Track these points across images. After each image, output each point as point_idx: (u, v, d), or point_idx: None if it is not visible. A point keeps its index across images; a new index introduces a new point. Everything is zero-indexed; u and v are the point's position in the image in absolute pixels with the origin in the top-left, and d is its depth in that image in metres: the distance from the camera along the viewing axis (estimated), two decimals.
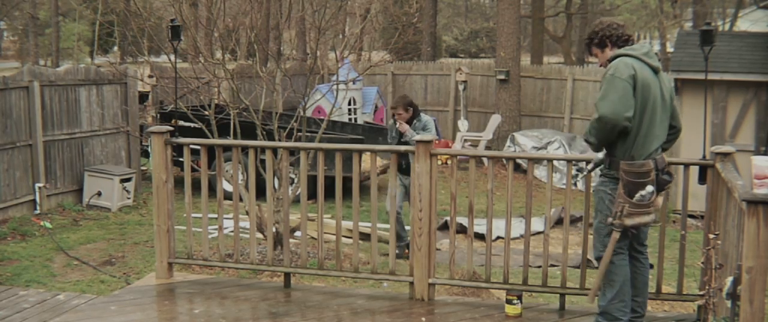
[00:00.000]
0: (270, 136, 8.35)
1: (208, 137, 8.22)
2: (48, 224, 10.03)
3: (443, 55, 36.60)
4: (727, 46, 11.46)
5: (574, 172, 5.48)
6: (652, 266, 5.07)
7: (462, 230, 8.84)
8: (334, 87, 9.32)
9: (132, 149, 12.44)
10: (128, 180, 11.48)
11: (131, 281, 7.55)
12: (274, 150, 6.26)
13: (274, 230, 6.70)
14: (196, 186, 6.84)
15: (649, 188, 4.58)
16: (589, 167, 5.09)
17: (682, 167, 5.41)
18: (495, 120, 16.38)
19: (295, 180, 10.30)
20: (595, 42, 4.86)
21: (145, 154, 12.66)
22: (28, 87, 10.50)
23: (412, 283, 5.70)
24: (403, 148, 6.05)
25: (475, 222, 5.75)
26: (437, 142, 10.35)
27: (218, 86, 9.40)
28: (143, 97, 13.72)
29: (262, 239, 8.03)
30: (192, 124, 8.99)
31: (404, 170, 7.85)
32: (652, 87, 4.61)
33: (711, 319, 4.58)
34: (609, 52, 4.80)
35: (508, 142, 15.00)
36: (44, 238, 9.51)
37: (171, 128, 6.03)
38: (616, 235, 4.65)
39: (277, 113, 8.53)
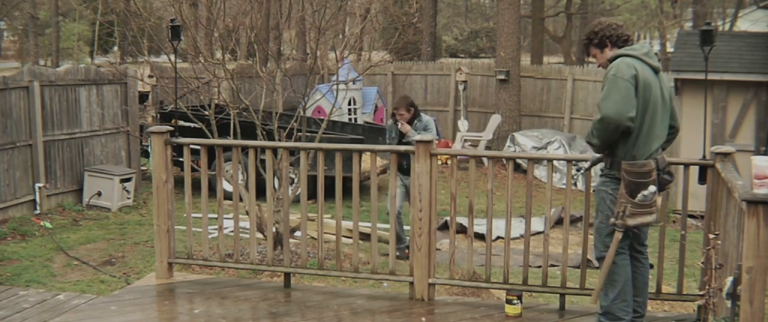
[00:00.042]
0: (270, 136, 8.35)
1: (208, 137, 8.22)
2: (48, 224, 10.03)
3: (443, 55, 36.60)
4: (727, 46, 11.46)
5: (574, 172, 5.48)
6: (652, 266, 5.08)
7: (462, 230, 8.84)
8: (334, 87, 9.32)
9: (132, 149, 12.44)
10: (128, 180, 11.48)
11: (131, 281, 7.55)
12: (274, 150, 6.26)
13: (274, 230, 6.70)
14: (196, 186, 6.84)
15: (652, 188, 4.58)
16: (586, 165, 5.10)
17: (682, 166, 5.40)
18: (495, 120, 16.38)
19: (295, 180, 10.30)
20: (594, 42, 4.84)
21: (145, 154, 12.66)
22: (28, 87, 10.50)
23: (412, 283, 5.70)
24: (403, 148, 6.05)
25: (475, 222, 5.75)
26: (438, 142, 10.30)
27: (218, 86, 9.40)
28: (143, 97, 13.72)
29: (262, 239, 8.04)
30: (192, 124, 8.99)
31: (405, 170, 7.85)
32: (653, 87, 4.61)
33: (711, 319, 4.58)
34: (609, 53, 4.80)
35: (508, 142, 15.00)
36: (44, 238, 9.51)
37: (171, 128, 6.03)
38: (618, 235, 4.65)
39: (277, 113, 8.53)
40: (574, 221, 9.85)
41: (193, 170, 6.45)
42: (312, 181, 7.63)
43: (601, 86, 4.66)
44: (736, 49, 11.52)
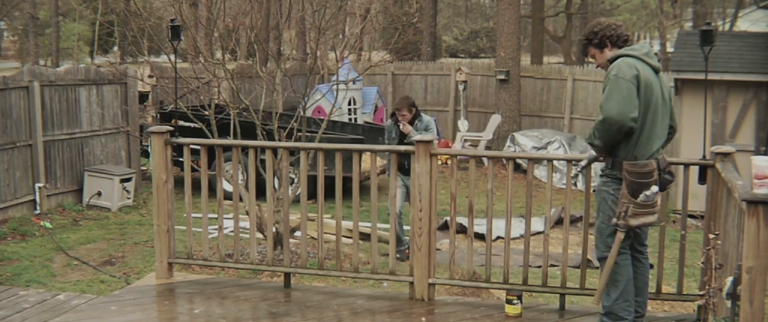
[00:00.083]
0: (270, 136, 8.35)
1: (208, 137, 8.22)
2: (48, 224, 10.03)
3: (443, 55, 36.60)
4: (727, 46, 11.46)
5: (574, 172, 5.48)
6: (652, 266, 5.08)
7: (462, 230, 8.84)
8: (334, 87, 9.32)
9: (132, 149, 12.44)
10: (128, 180, 11.48)
11: (131, 281, 7.55)
12: (274, 150, 6.26)
13: (274, 230, 6.70)
14: (196, 186, 6.84)
15: (654, 188, 4.58)
16: (583, 163, 5.09)
17: (682, 166, 5.40)
18: (495, 120, 16.38)
19: (295, 180, 10.30)
20: (594, 42, 4.81)
21: (145, 154, 12.66)
22: (28, 87, 10.50)
23: (412, 283, 5.70)
24: (403, 148, 6.05)
25: (475, 222, 5.75)
26: (438, 142, 10.27)
27: (218, 86, 9.41)
28: (143, 97, 13.72)
29: (262, 239, 8.04)
30: (192, 124, 8.99)
31: (406, 170, 7.84)
32: (654, 87, 4.61)
33: (711, 319, 4.58)
34: (608, 53, 4.78)
35: (508, 142, 15.00)
36: (44, 238, 9.51)
37: (171, 128, 6.03)
38: (620, 235, 4.65)
39: (277, 113, 8.53)
40: (574, 221, 9.85)
41: (193, 170, 6.45)
42: (312, 181, 7.63)
43: (603, 87, 4.65)
44: (736, 49, 11.52)
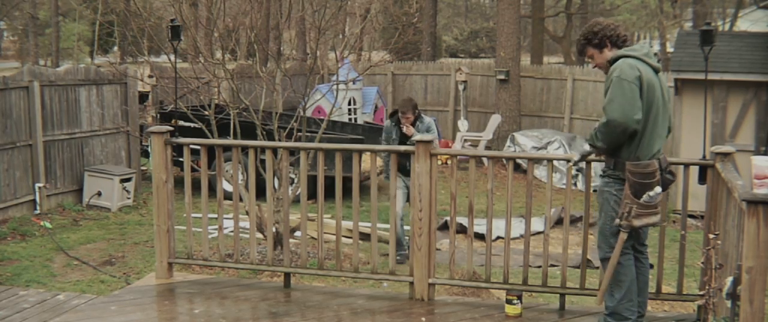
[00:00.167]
0: (270, 136, 8.35)
1: (208, 137, 8.22)
2: (48, 224, 10.03)
3: (443, 55, 36.60)
4: (727, 46, 11.46)
5: (574, 172, 5.48)
6: (652, 266, 5.08)
7: (462, 230, 8.84)
8: (334, 87, 9.32)
9: (132, 149, 12.44)
10: (128, 180, 11.48)
11: (131, 281, 7.55)
12: (274, 150, 6.26)
13: (274, 230, 6.70)
14: (196, 186, 6.84)
15: (657, 189, 4.57)
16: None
17: (682, 166, 5.40)
18: (495, 120, 16.38)
19: (295, 180, 10.30)
20: (594, 42, 4.77)
21: (145, 154, 12.66)
22: (28, 87, 10.50)
23: (412, 283, 5.71)
24: (403, 148, 6.05)
25: (475, 222, 5.75)
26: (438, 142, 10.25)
27: (218, 86, 9.40)
28: (143, 97, 13.73)
29: (262, 239, 8.03)
30: (192, 124, 8.99)
31: (408, 171, 7.82)
32: (655, 88, 4.61)
33: (711, 319, 4.58)
34: (608, 54, 4.76)
35: (508, 142, 15.00)
36: (44, 238, 9.51)
37: (171, 128, 6.03)
38: (623, 236, 4.64)
39: (277, 113, 8.53)
40: (574, 221, 9.85)
41: (193, 170, 6.45)
42: (312, 181, 7.64)
43: (604, 89, 4.63)
44: (736, 49, 11.53)
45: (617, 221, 4.65)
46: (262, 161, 6.69)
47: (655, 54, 4.77)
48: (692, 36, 11.80)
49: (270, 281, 6.82)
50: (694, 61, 11.05)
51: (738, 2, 25.76)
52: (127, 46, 21.31)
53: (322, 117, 13.11)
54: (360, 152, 6.21)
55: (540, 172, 13.78)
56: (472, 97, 18.31)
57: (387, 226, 8.48)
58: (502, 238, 7.01)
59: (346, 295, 5.92)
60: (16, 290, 7.13)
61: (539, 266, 6.43)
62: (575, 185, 12.60)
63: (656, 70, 4.67)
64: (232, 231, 6.46)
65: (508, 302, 5.43)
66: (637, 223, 4.59)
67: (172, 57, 6.99)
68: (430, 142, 5.56)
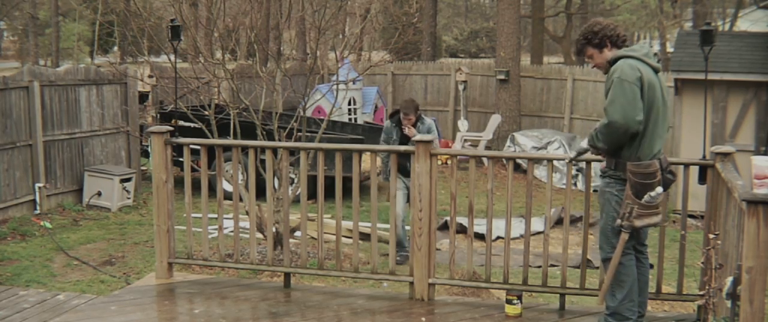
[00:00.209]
0: (270, 136, 8.35)
1: (208, 137, 8.22)
2: (48, 224, 10.03)
3: (443, 55, 36.60)
4: (727, 46, 11.46)
5: (574, 172, 5.48)
6: (652, 266, 5.08)
7: (462, 230, 8.84)
8: (334, 87, 9.32)
9: (132, 149, 12.44)
10: (128, 180, 11.48)
11: (131, 281, 7.55)
12: (274, 150, 6.26)
13: (274, 230, 6.70)
14: (196, 186, 6.84)
15: (659, 189, 4.57)
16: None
17: (682, 166, 5.40)
18: (495, 120, 16.38)
19: (295, 180, 10.30)
20: (594, 42, 4.75)
21: (145, 154, 12.66)
22: (28, 87, 10.50)
23: (412, 283, 5.71)
24: (403, 148, 6.05)
25: (475, 222, 5.75)
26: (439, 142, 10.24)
27: (218, 86, 9.40)
28: (143, 97, 13.72)
29: (262, 239, 8.03)
30: (192, 124, 8.99)
31: (408, 171, 7.80)
32: (656, 88, 4.61)
33: (711, 319, 4.58)
34: (608, 54, 4.74)
35: (508, 142, 15.00)
36: (44, 238, 9.51)
37: (171, 128, 6.03)
38: (625, 236, 4.64)
39: (277, 113, 8.53)
40: (574, 221, 9.85)
41: (193, 170, 6.45)
42: (312, 181, 7.63)
43: (605, 90, 4.63)
44: (736, 49, 11.53)
45: (619, 221, 4.64)
46: (262, 161, 6.69)
47: (655, 54, 4.77)
48: (692, 36, 11.80)
49: (270, 281, 6.83)
50: (694, 61, 11.05)
51: (738, 2, 25.76)
52: (127, 46, 21.32)
53: (322, 117, 13.11)
54: (360, 152, 6.21)
55: (540, 172, 13.78)
56: (472, 97, 18.31)
57: (387, 226, 8.48)
58: (502, 238, 7.01)
59: (346, 295, 5.92)
60: (16, 290, 7.13)
61: (539, 266, 6.43)
62: (575, 185, 12.60)
63: (656, 71, 4.67)
64: (232, 231, 6.46)
65: (508, 302, 5.43)
66: (638, 223, 4.59)
67: (172, 57, 6.99)
68: (430, 142, 5.56)
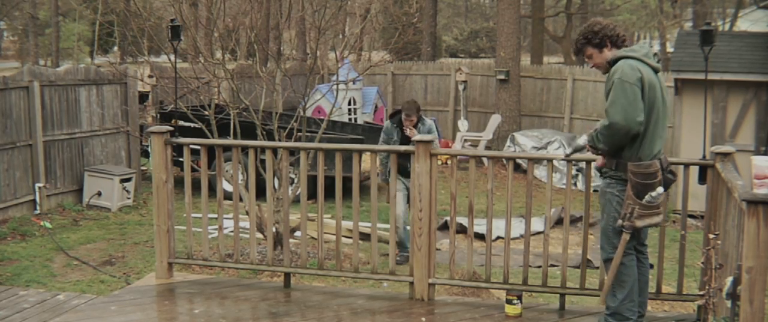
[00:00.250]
0: (270, 136, 8.35)
1: (208, 137, 8.22)
2: (48, 224, 10.03)
3: (443, 55, 36.60)
4: (727, 46, 11.46)
5: (574, 172, 5.48)
6: (652, 266, 5.08)
7: (462, 230, 8.84)
8: (334, 87, 9.32)
9: (132, 149, 12.44)
10: (128, 180, 11.48)
11: (131, 281, 7.55)
12: (274, 150, 6.26)
13: (274, 230, 6.70)
14: (196, 186, 6.84)
15: (660, 189, 4.57)
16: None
17: (682, 166, 5.40)
18: (495, 120, 16.38)
19: (295, 180, 10.30)
20: (594, 42, 4.74)
21: (145, 154, 12.66)
22: (28, 87, 10.50)
23: (412, 283, 5.71)
24: (403, 148, 6.04)
25: (475, 222, 5.75)
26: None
27: (218, 86, 9.40)
28: (143, 97, 13.73)
29: (262, 239, 8.03)
30: (192, 124, 8.99)
31: (408, 172, 7.77)
32: (656, 88, 4.61)
33: (711, 319, 4.59)
34: (607, 54, 4.74)
35: (508, 142, 15.00)
36: (44, 238, 9.51)
37: (171, 128, 6.03)
38: (626, 236, 4.64)
39: (277, 113, 8.53)
40: (574, 221, 9.85)
41: (193, 170, 6.44)
42: (312, 181, 7.63)
43: (605, 90, 4.62)
44: (736, 49, 11.53)
45: (620, 222, 4.64)
46: (262, 161, 6.69)
47: (655, 54, 4.76)
48: (692, 36, 11.80)
49: (270, 281, 6.83)
50: (694, 61, 11.05)
51: (738, 2, 25.76)
52: (127, 46, 21.32)
53: (322, 117, 13.11)
54: (360, 152, 6.21)
55: (540, 172, 13.78)
56: (472, 97, 18.31)
57: (387, 226, 8.47)
58: (502, 238, 7.01)
59: (346, 295, 5.92)
60: (16, 290, 7.13)
61: (539, 266, 6.43)
62: (575, 185, 12.60)
63: (656, 71, 4.67)
64: (232, 231, 6.46)
65: (508, 302, 5.43)
66: (639, 223, 4.59)
67: (172, 57, 6.99)
68: (430, 142, 5.56)
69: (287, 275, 6.07)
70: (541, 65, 20.62)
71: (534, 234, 9.35)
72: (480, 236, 7.87)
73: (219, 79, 9.22)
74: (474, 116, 18.05)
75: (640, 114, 4.49)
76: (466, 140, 16.12)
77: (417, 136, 5.69)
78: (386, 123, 8.59)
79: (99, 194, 11.21)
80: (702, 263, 4.90)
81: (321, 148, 5.95)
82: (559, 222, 9.96)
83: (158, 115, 12.47)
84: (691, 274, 5.99)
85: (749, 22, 21.19)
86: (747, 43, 11.80)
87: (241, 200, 6.45)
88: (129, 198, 11.44)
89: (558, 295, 5.63)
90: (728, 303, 4.05)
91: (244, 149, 6.15)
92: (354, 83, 14.50)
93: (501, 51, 16.65)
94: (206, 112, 8.55)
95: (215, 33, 9.70)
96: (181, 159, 8.21)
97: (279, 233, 6.93)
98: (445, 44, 39.73)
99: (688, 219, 5.75)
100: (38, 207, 10.61)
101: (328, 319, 5.32)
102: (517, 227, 9.32)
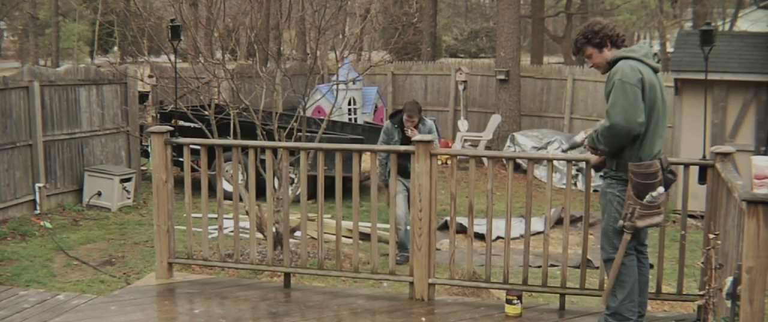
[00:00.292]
0: (270, 136, 8.35)
1: (208, 137, 8.22)
2: (48, 224, 10.03)
3: (443, 55, 36.60)
4: (727, 46, 11.46)
5: (574, 172, 5.49)
6: (652, 266, 5.08)
7: (462, 230, 8.84)
8: (334, 87, 9.32)
9: (132, 149, 12.44)
10: (128, 180, 11.48)
11: (131, 281, 7.55)
12: (274, 150, 6.26)
13: (274, 230, 6.70)
14: (196, 186, 6.84)
15: (660, 189, 4.57)
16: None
17: (682, 166, 5.40)
18: (495, 120, 16.38)
19: (295, 180, 10.30)
20: (594, 42, 4.73)
21: (145, 154, 12.66)
22: (28, 87, 10.50)
23: (412, 283, 5.71)
24: (403, 148, 6.04)
25: (475, 222, 5.75)
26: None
27: (218, 86, 9.41)
28: (143, 97, 13.73)
29: (262, 239, 8.03)
30: (192, 124, 8.99)
31: (409, 173, 7.75)
32: (656, 89, 4.61)
33: (711, 319, 4.59)
34: (607, 54, 4.73)
35: (508, 142, 15.00)
36: (44, 238, 9.51)
37: (171, 128, 6.03)
38: (627, 237, 4.64)
39: (277, 113, 8.53)
40: (574, 221, 9.85)
41: (193, 170, 6.44)
42: (312, 181, 7.63)
43: (605, 91, 4.62)
44: (736, 49, 11.53)
45: (621, 222, 4.64)
46: (262, 161, 6.69)
47: (655, 54, 4.76)
48: (692, 36, 11.80)
49: (270, 281, 6.83)
50: (694, 61, 11.05)
51: (738, 2, 25.76)
52: (127, 46, 21.32)
53: (322, 117, 13.11)
54: (360, 152, 6.21)
55: (540, 172, 13.78)
56: (472, 97, 18.31)
57: (387, 226, 8.47)
58: (502, 238, 7.01)
59: (346, 295, 5.92)
60: (16, 290, 7.13)
61: (539, 266, 6.43)
62: (575, 185, 12.60)
63: (656, 71, 4.67)
64: (232, 231, 6.46)
65: (508, 302, 5.43)
66: (640, 223, 4.59)
67: (172, 57, 6.99)
68: (430, 142, 5.56)
69: (287, 275, 6.07)
70: (541, 65, 20.62)
71: (534, 234, 9.35)
72: (480, 236, 7.87)
73: (219, 79, 9.22)
74: (474, 116, 18.05)
75: (641, 115, 4.48)
76: (466, 140, 16.12)
77: (417, 137, 5.70)
78: (386, 123, 8.57)
79: (99, 194, 11.21)
80: (702, 263, 4.90)
81: (321, 148, 5.95)
82: (559, 222, 9.95)
83: (158, 115, 12.47)
84: (691, 274, 5.99)
85: (749, 22, 21.20)
86: (747, 43, 11.80)
87: (241, 200, 6.45)
88: (129, 198, 11.44)
89: (558, 295, 5.63)
90: (728, 303, 4.05)
91: (244, 149, 6.15)
92: (354, 83, 14.50)
93: (501, 51, 16.65)
94: (206, 112, 8.55)
95: (215, 33, 9.70)
96: (181, 159, 8.21)
97: (279, 233, 6.93)
98: (445, 44, 39.73)
99: (688, 219, 5.75)
100: (38, 207, 10.61)
101: (328, 319, 5.32)
102: (517, 227, 9.32)
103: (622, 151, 4.64)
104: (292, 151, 6.75)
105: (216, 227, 6.66)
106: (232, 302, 5.66)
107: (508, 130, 16.17)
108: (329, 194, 6.06)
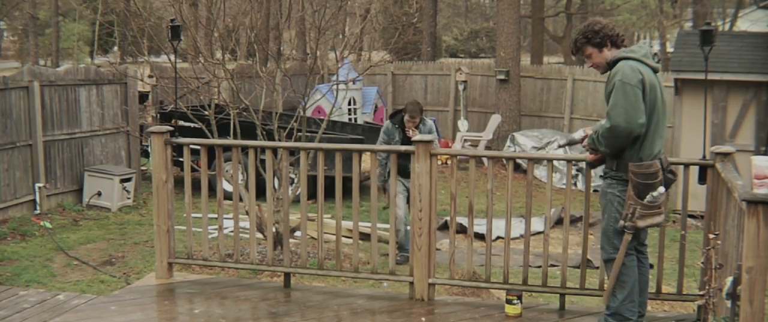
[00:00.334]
0: (270, 136, 8.35)
1: (208, 137, 8.22)
2: (48, 224, 10.03)
3: (443, 55, 36.60)
4: (727, 46, 11.46)
5: (574, 172, 5.49)
6: (652, 266, 5.08)
7: (462, 230, 8.84)
8: (334, 87, 9.32)
9: (132, 149, 12.44)
10: (128, 180, 11.48)
11: (131, 281, 7.55)
12: (274, 150, 6.26)
13: (274, 230, 6.70)
14: (196, 186, 6.84)
15: (661, 189, 4.57)
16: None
17: (682, 166, 5.40)
18: (495, 120, 16.38)
19: (295, 180, 10.30)
20: (594, 41, 4.72)
21: (145, 154, 12.66)
22: (28, 87, 10.50)
23: (412, 283, 5.71)
24: (403, 148, 6.04)
25: (475, 222, 5.75)
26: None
27: (218, 86, 9.40)
28: (143, 97, 13.73)
29: (262, 239, 8.03)
30: (192, 124, 8.99)
31: (409, 173, 7.73)
32: (657, 89, 4.61)
33: (711, 319, 4.58)
34: (607, 54, 4.73)
35: (508, 142, 15.00)
36: (44, 238, 9.51)
37: (171, 128, 6.03)
38: (628, 237, 4.63)
39: (277, 113, 8.53)
40: (574, 221, 9.85)
41: (193, 170, 6.44)
42: (312, 181, 7.63)
43: (606, 92, 4.61)
44: (736, 49, 11.53)
45: (621, 222, 4.64)
46: (262, 161, 6.69)
47: (655, 54, 4.76)
48: (692, 36, 11.80)
49: (270, 281, 6.83)
50: (694, 61, 11.05)
51: (738, 2, 25.76)
52: (127, 46, 21.31)
53: (322, 117, 13.11)
54: (360, 152, 6.21)
55: (540, 172, 13.78)
56: (472, 97, 18.32)
57: (387, 226, 8.47)
58: (502, 238, 7.01)
59: (346, 295, 5.92)
60: (16, 290, 7.13)
61: (539, 266, 6.43)
62: (575, 185, 12.60)
63: (656, 71, 4.67)
64: (232, 231, 6.46)
65: (508, 302, 5.43)
66: (641, 224, 4.58)
67: (172, 57, 6.99)
68: (430, 142, 5.56)
69: (287, 275, 6.07)
70: (541, 65, 20.62)
71: (534, 234, 9.35)
72: (480, 236, 7.87)
73: (219, 79, 9.22)
74: (474, 116, 18.05)
75: (642, 116, 4.48)
76: (466, 140, 16.13)
77: (417, 137, 5.70)
78: (387, 123, 8.56)
79: (99, 194, 11.21)
80: (702, 263, 4.90)
81: (321, 148, 5.95)
82: (559, 222, 9.95)
83: (158, 115, 12.47)
84: (691, 274, 5.99)
85: (749, 22, 21.20)
86: (747, 43, 11.81)
87: (241, 200, 6.45)
88: (129, 198, 11.44)
89: (558, 295, 5.63)
90: (728, 303, 4.05)
91: (244, 149, 6.15)
92: (354, 83, 14.50)
93: (501, 51, 16.65)
94: (206, 112, 8.55)
95: (215, 33, 9.70)
96: (181, 159, 8.21)
97: (279, 233, 6.93)
98: (445, 44, 39.73)
99: (688, 219, 5.75)
100: (38, 207, 10.61)
101: (328, 319, 5.32)
102: (517, 227, 9.32)
103: (622, 152, 4.64)
104: (292, 151, 6.75)
105: (216, 227, 6.66)
106: (232, 302, 5.66)
107: (508, 130, 16.18)
108: (329, 194, 6.06)
